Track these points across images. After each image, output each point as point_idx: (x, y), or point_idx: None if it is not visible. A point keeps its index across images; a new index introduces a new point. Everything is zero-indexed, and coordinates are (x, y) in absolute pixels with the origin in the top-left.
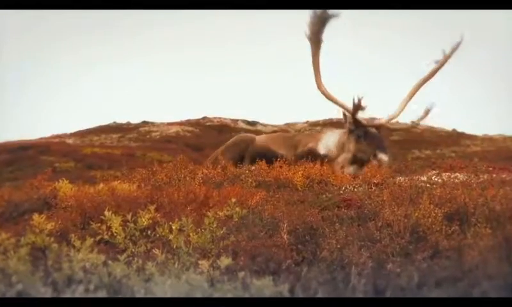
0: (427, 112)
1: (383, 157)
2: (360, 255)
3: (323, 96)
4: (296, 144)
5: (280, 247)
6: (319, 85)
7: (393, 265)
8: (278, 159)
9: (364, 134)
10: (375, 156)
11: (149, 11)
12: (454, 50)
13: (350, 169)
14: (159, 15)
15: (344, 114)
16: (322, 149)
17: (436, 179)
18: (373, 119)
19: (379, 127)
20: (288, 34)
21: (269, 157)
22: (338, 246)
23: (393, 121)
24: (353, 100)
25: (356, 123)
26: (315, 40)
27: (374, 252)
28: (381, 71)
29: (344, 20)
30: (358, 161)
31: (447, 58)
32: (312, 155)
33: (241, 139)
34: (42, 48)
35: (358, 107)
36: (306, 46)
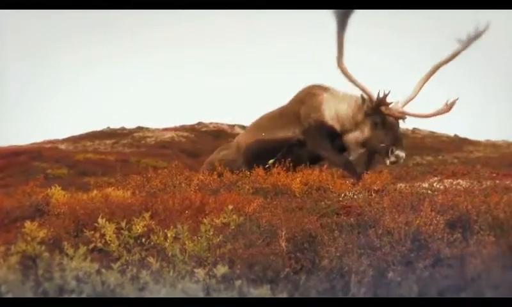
0: (450, 106)
1: (400, 153)
2: (360, 263)
3: (342, 76)
4: (295, 116)
5: (277, 255)
6: (340, 62)
7: (394, 273)
8: (283, 145)
9: (382, 122)
10: (392, 152)
11: (143, 12)
12: (478, 35)
13: (360, 151)
14: (151, 16)
15: (362, 97)
16: (331, 121)
17: (437, 185)
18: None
19: (397, 118)
20: (288, 37)
21: (268, 150)
22: (338, 254)
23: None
24: (378, 93)
25: (376, 110)
26: (342, 15)
27: (374, 260)
28: (381, 72)
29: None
30: (369, 147)
31: (470, 41)
32: (323, 130)
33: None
34: (29, 51)
35: (382, 102)
36: (306, 49)
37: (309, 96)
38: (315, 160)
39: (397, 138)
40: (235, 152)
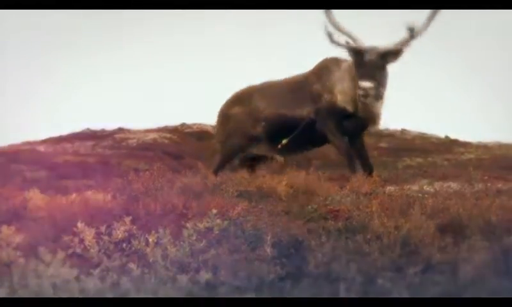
0: (411, 34)
1: (363, 83)
2: (348, 269)
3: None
4: (310, 92)
5: (263, 260)
6: (329, 17)
7: (384, 279)
8: (299, 124)
9: (356, 61)
10: (359, 86)
11: (127, 13)
12: None
13: (377, 104)
14: (134, 16)
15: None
16: (344, 103)
17: (428, 188)
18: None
19: (360, 50)
20: (273, 37)
21: (288, 127)
22: (325, 260)
23: None
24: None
25: (353, 51)
26: None
27: (363, 266)
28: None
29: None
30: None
31: None
32: (334, 111)
33: (238, 132)
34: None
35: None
36: (290, 48)
37: (324, 72)
38: (322, 141)
39: (363, 72)
40: (250, 117)
